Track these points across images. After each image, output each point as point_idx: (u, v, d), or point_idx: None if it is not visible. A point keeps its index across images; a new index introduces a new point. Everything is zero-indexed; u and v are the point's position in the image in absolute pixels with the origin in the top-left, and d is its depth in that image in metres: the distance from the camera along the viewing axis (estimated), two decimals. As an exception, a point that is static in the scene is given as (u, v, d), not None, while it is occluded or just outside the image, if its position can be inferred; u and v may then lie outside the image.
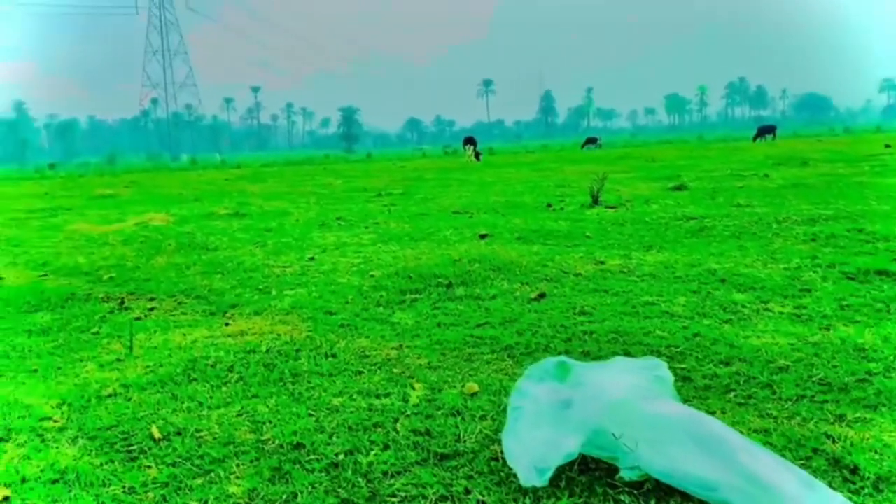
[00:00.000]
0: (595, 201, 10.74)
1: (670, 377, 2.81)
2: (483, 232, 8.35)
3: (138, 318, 5.31)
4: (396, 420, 3.12)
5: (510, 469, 2.59)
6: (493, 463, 2.69)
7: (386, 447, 2.88)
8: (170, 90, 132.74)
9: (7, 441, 3.11)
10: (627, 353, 3.94)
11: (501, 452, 2.71)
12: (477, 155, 36.30)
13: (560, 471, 2.52)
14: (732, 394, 3.32)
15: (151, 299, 5.91)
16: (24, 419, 3.33)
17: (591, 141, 54.73)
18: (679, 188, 13.01)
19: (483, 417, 3.11)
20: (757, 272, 5.73)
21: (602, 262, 6.31)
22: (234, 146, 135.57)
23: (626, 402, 2.46)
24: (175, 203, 15.84)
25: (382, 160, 51.71)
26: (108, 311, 5.55)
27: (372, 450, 2.85)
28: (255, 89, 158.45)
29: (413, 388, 3.47)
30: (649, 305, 4.92)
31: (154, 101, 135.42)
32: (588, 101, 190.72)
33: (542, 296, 5.19)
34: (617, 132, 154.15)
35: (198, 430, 3.11)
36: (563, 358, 2.69)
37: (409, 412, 3.20)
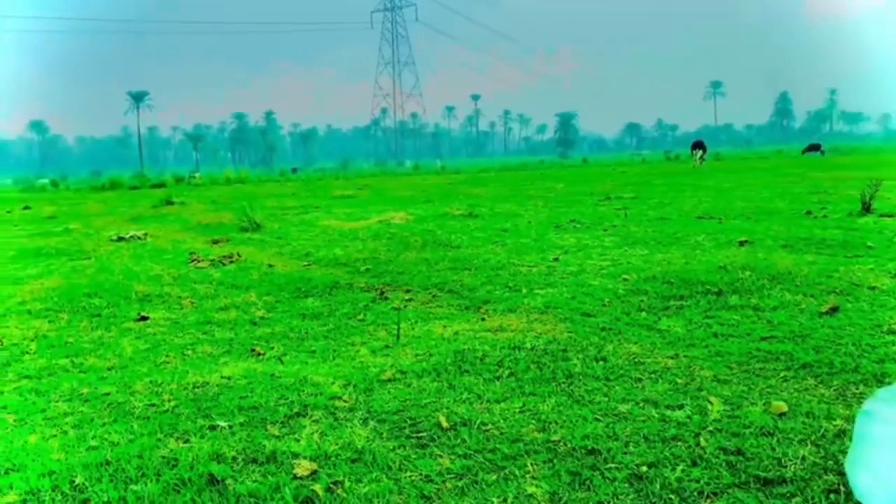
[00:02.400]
0: (867, 209, 9.50)
1: None
2: (742, 238, 7.68)
3: (398, 308, 5.47)
4: (698, 435, 2.82)
5: (859, 506, 2.19)
6: (832, 496, 2.30)
7: (694, 463, 2.59)
8: (398, 100, 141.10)
9: (304, 416, 3.24)
10: (965, 383, 3.29)
11: (842, 485, 2.32)
12: (700, 160, 34.54)
13: (927, 517, 2.08)
14: None
15: (407, 291, 6.09)
16: (316, 397, 3.48)
17: (814, 147, 49.08)
18: (968, 197, 11.18)
19: (802, 441, 2.71)
20: None
21: (900, 276, 5.48)
22: (452, 152, 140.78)
23: None
24: (409, 204, 16.57)
25: (599, 165, 50.78)
26: (370, 301, 5.79)
27: (678, 465, 2.58)
28: (475, 97, 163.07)
29: (710, 402, 3.14)
30: (978, 328, 4.13)
31: (383, 111, 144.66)
32: (830, 103, 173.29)
33: (834, 309, 4.57)
34: (863, 137, 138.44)
35: (483, 424, 3.03)
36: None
37: (710, 427, 2.88)
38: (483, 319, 5.00)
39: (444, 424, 3.03)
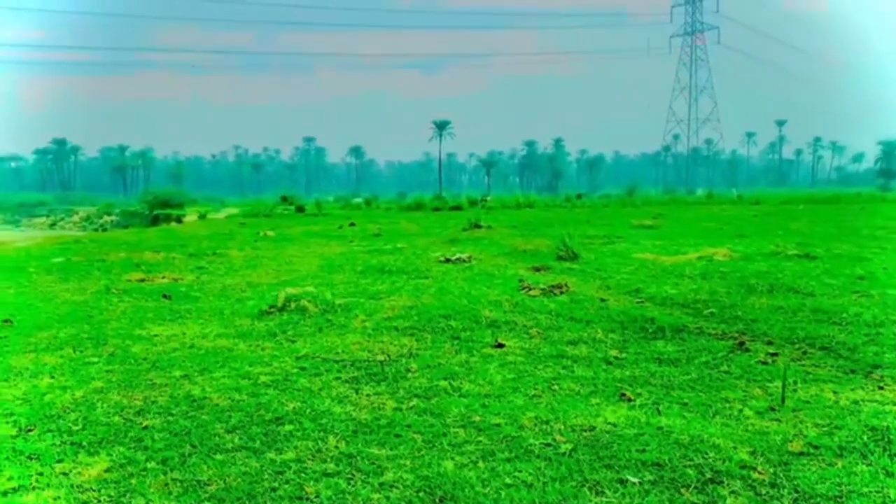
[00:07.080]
0: None
1: None
2: None
3: (763, 363, 5.01)
4: None
5: None
6: None
7: None
8: (692, 126, 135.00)
9: (720, 484, 3.01)
10: None
11: None
12: None
13: None
14: None
15: (769, 343, 5.56)
16: (724, 462, 3.22)
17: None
18: None
19: None
20: None
21: None
22: (749, 181, 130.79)
23: None
24: (721, 238, 15.53)
25: (936, 201, 43.51)
26: (728, 350, 5.38)
27: None
28: (780, 122, 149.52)
29: None
30: None
31: (675, 137, 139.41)
32: None
33: None
34: None
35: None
36: None
37: None
38: (881, 388, 4.35)
39: (906, 526, 2.58)
